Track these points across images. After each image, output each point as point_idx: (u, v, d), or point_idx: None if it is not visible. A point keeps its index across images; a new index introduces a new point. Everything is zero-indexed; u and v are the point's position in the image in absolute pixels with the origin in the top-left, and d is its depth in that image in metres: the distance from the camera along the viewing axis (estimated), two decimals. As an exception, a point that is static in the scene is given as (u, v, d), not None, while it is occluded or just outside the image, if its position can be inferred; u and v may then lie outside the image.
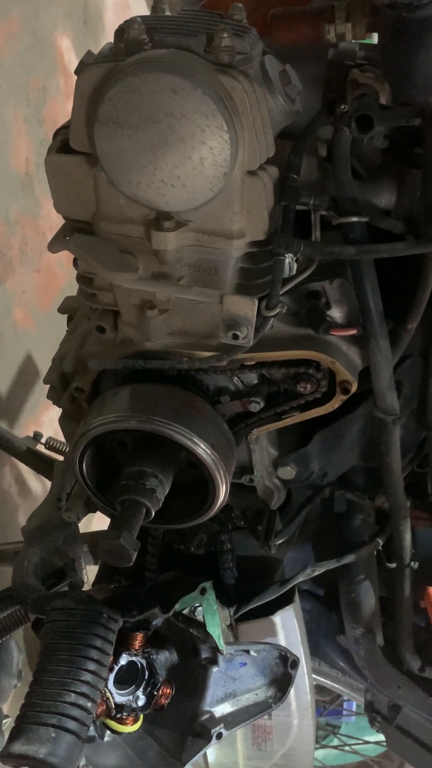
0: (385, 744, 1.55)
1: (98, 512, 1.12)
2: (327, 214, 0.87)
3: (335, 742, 2.66)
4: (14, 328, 2.17)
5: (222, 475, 0.95)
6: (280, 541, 1.12)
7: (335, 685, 1.62)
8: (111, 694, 0.99)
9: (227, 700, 1.08)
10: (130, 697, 1.01)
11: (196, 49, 0.75)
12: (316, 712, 1.65)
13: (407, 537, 1.16)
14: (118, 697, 1.00)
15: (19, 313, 2.20)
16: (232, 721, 1.08)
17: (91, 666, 0.89)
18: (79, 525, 1.14)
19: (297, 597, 1.21)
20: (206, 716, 1.05)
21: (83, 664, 0.88)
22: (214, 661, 1.04)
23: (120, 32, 0.78)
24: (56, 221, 0.89)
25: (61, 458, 1.44)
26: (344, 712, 2.66)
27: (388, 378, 0.97)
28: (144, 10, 3.61)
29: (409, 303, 0.95)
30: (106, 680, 0.92)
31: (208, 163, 0.75)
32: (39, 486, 2.23)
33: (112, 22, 3.08)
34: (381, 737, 1.56)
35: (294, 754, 1.28)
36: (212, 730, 1.04)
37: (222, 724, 1.06)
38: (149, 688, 1.02)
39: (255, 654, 1.09)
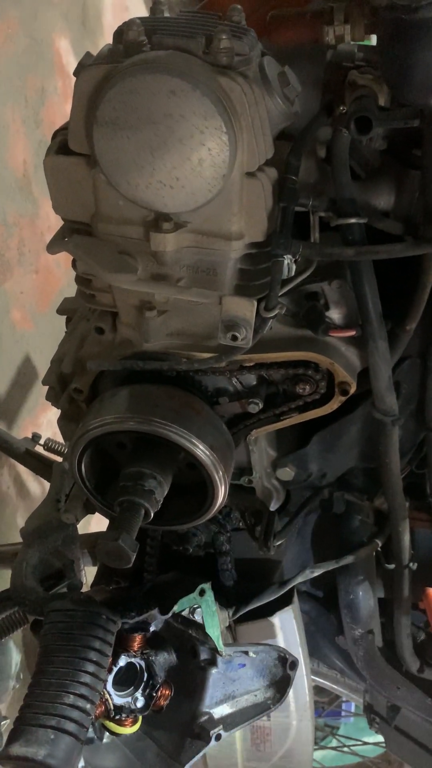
0: (383, 745, 1.55)
1: (97, 513, 1.12)
2: (326, 215, 0.87)
3: (334, 743, 2.66)
4: (13, 329, 2.17)
5: (221, 477, 0.95)
6: (279, 543, 1.12)
7: (334, 686, 1.62)
8: (110, 695, 0.99)
9: (226, 701, 1.08)
10: (129, 699, 1.01)
11: (194, 50, 0.75)
12: (315, 713, 1.65)
13: (406, 538, 1.16)
14: (117, 698, 1.00)
15: (18, 314, 2.20)
16: (231, 722, 1.08)
17: (90, 667, 0.89)
18: (78, 526, 1.14)
19: (296, 598, 1.21)
20: (205, 717, 1.05)
21: (82, 665, 0.88)
22: (213, 662, 1.04)
23: (119, 34, 0.78)
24: (54, 222, 0.89)
25: (59, 459, 1.44)
26: (343, 713, 2.66)
27: (386, 379, 0.97)
28: (143, 12, 3.61)
29: (408, 304, 0.96)
30: (104, 682, 0.92)
31: (207, 165, 0.75)
32: (38, 487, 2.22)
33: (110, 23, 3.08)
34: (380, 738, 1.56)
35: (293, 755, 1.28)
36: (211, 732, 1.03)
37: (221, 726, 1.05)
38: (148, 690, 1.02)
39: (254, 655, 1.09)
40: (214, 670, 1.04)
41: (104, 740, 1.02)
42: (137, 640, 1.01)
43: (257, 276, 0.86)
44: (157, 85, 0.72)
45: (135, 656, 1.01)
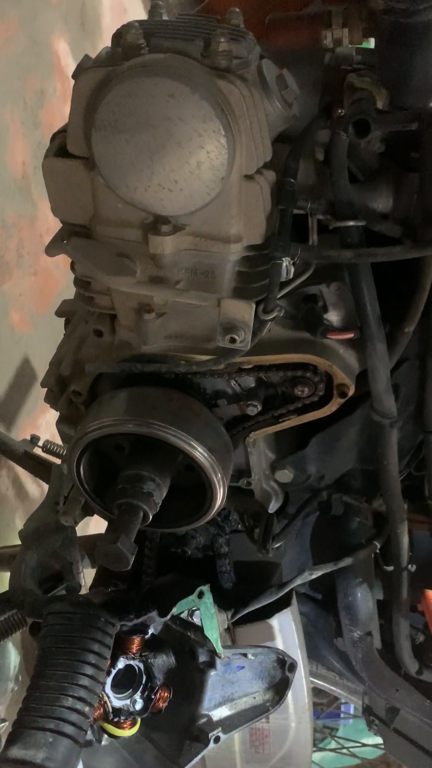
0: (382, 747, 1.55)
1: (95, 515, 1.11)
2: (324, 218, 0.87)
3: (333, 744, 2.66)
4: (11, 331, 2.17)
5: (219, 479, 0.95)
6: (278, 545, 1.12)
7: (333, 688, 1.62)
8: (108, 698, 0.99)
9: (225, 703, 1.08)
10: (128, 701, 1.01)
11: (193, 53, 0.75)
12: (314, 715, 1.65)
13: (405, 540, 1.16)
14: (116, 701, 1.00)
15: (16, 315, 2.20)
16: (229, 724, 1.08)
17: (89, 670, 0.88)
18: (77, 528, 1.14)
19: (294, 600, 1.21)
20: (204, 720, 1.05)
21: (81, 668, 0.88)
22: (211, 664, 1.04)
23: (117, 36, 0.78)
24: (53, 224, 0.89)
25: (58, 461, 1.44)
26: (342, 715, 2.66)
27: (385, 381, 0.97)
28: (141, 14, 3.62)
29: (406, 306, 0.96)
30: (103, 684, 0.92)
31: (206, 168, 0.75)
32: (36, 489, 2.22)
33: (109, 25, 3.08)
34: (378, 740, 1.56)
35: (291, 757, 1.28)
36: (210, 734, 1.03)
37: (220, 728, 1.05)
38: (147, 692, 1.02)
39: (252, 657, 1.09)
40: (212, 673, 1.04)
41: (103, 743, 1.02)
42: (136, 642, 1.01)
43: (256, 278, 0.87)
44: (156, 88, 0.72)
45: (133, 658, 1.01)
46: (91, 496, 1.03)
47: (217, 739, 1.04)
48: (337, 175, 0.86)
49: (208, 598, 1.05)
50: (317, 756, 2.62)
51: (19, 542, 1.14)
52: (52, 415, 1.12)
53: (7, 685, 1.51)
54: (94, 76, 0.76)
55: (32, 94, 2.33)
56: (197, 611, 1.04)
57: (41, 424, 2.29)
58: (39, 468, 1.53)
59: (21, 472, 2.11)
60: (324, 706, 2.43)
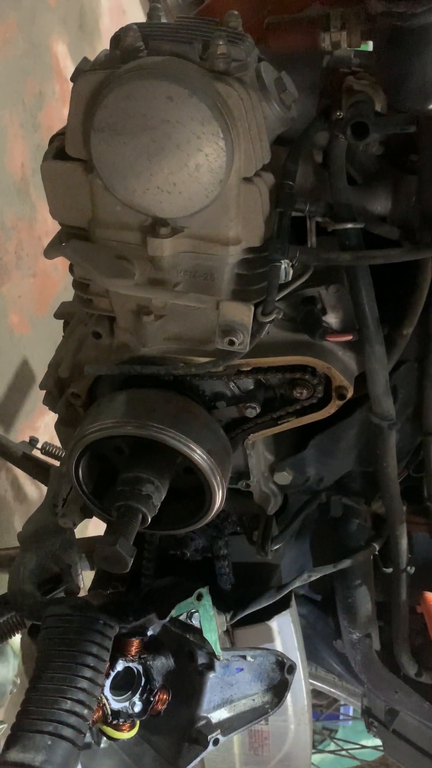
0: (381, 748, 1.55)
1: (94, 517, 1.11)
2: (323, 220, 0.87)
3: (332, 746, 2.66)
4: (10, 333, 2.17)
5: (218, 481, 0.95)
6: (277, 547, 1.12)
7: (332, 689, 1.62)
8: (107, 700, 0.99)
9: (224, 705, 1.08)
10: (127, 704, 1.01)
11: (191, 56, 0.75)
12: (313, 717, 1.64)
13: (403, 542, 1.16)
14: (115, 703, 1.00)
15: (15, 317, 2.20)
16: (228, 726, 1.08)
17: (88, 673, 0.88)
18: (75, 530, 1.14)
19: (294, 602, 1.21)
20: (203, 722, 1.05)
21: (79, 670, 0.88)
22: (210, 666, 1.04)
23: (116, 39, 0.78)
24: (52, 226, 0.89)
25: (57, 463, 1.43)
26: (341, 717, 2.66)
27: (383, 383, 0.97)
28: (140, 17, 3.62)
29: (405, 308, 0.96)
30: (102, 686, 0.92)
31: (204, 170, 0.75)
32: (35, 491, 2.22)
33: (108, 27, 3.09)
34: (378, 742, 1.55)
35: (291, 759, 1.28)
36: (209, 736, 1.03)
37: (219, 730, 1.05)
38: (146, 694, 1.02)
39: (252, 659, 1.09)
40: (211, 675, 1.04)
41: (102, 745, 1.02)
42: (135, 644, 1.01)
43: (254, 281, 0.87)
44: (154, 91, 0.72)
45: (133, 661, 1.01)
46: (90, 498, 1.03)
47: (216, 742, 1.04)
48: (336, 178, 0.86)
49: (207, 600, 1.05)
50: (316, 758, 2.62)
51: (17, 544, 1.14)
52: (51, 417, 1.12)
53: (6, 688, 1.51)
54: (93, 79, 0.76)
55: (31, 97, 2.33)
56: (196, 613, 1.04)
57: (40, 426, 2.29)
58: (38, 470, 1.53)
59: (20, 474, 2.10)
60: (323, 708, 2.43)
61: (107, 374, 0.99)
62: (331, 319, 0.95)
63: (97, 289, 0.92)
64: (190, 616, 1.04)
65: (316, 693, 1.77)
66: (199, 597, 1.04)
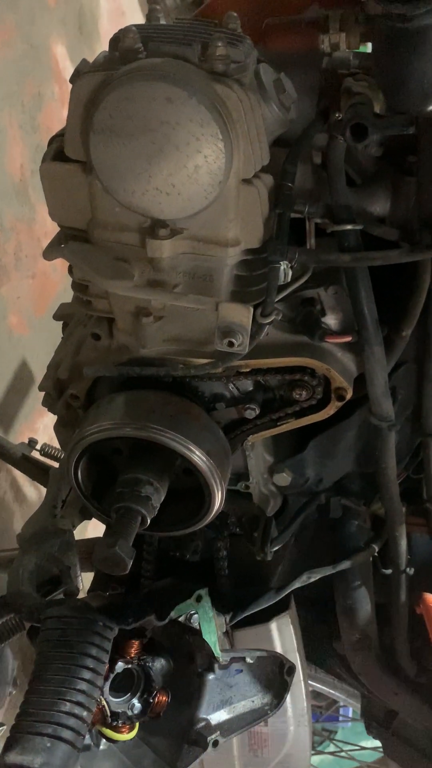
0: (381, 750, 1.55)
1: (93, 519, 1.11)
2: (322, 221, 0.87)
3: (331, 747, 2.66)
4: (9, 334, 2.17)
5: (218, 482, 0.95)
6: (276, 548, 1.12)
7: (331, 691, 1.62)
8: (107, 702, 0.98)
9: (223, 707, 1.08)
10: (126, 705, 1.01)
11: (190, 57, 0.75)
12: (312, 718, 1.64)
13: (403, 543, 1.16)
14: (114, 705, 1.00)
15: (14, 318, 2.20)
16: (228, 728, 1.08)
17: (87, 675, 0.88)
18: (75, 532, 1.14)
19: (293, 603, 1.21)
20: (202, 724, 1.05)
21: (78, 672, 0.88)
22: (210, 668, 1.04)
23: (115, 41, 0.78)
24: (51, 227, 0.89)
25: (56, 465, 1.43)
26: (340, 718, 2.65)
27: (383, 384, 0.97)
28: (139, 18, 3.62)
29: (404, 310, 0.96)
30: (101, 688, 0.92)
31: (203, 172, 0.75)
32: (34, 493, 2.22)
33: (107, 29, 3.09)
34: (377, 743, 1.55)
35: (290, 761, 1.28)
36: (208, 738, 1.03)
37: (218, 732, 1.05)
38: (145, 696, 1.02)
39: (251, 661, 1.09)
40: (211, 676, 1.04)
41: (101, 747, 1.02)
42: (134, 646, 1.01)
43: (253, 282, 0.87)
44: (153, 93, 0.72)
45: (132, 662, 1.01)
46: (89, 499, 1.03)
47: (215, 743, 1.04)
48: (335, 179, 0.86)
49: (207, 601, 1.05)
50: (316, 759, 2.62)
51: (16, 546, 1.14)
52: (50, 418, 1.12)
53: (5, 690, 1.51)
54: (92, 80, 0.76)
55: (30, 98, 2.33)
56: (195, 615, 1.04)
57: (39, 427, 2.29)
58: (37, 471, 1.53)
59: (19, 475, 2.10)
60: (323, 709, 2.43)
61: (106, 376, 0.99)
62: (330, 320, 0.95)
63: (96, 290, 0.92)
64: (189, 617, 1.04)
65: (315, 694, 1.77)
66: (199, 598, 1.04)
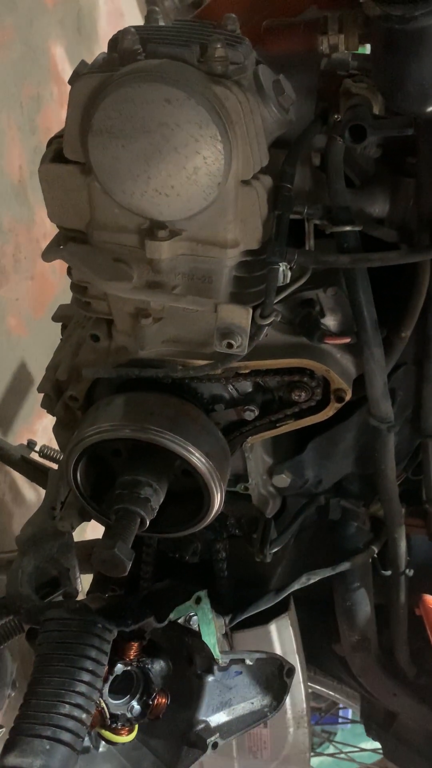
0: (381, 751, 1.55)
1: (92, 521, 1.11)
2: (320, 223, 0.87)
3: (331, 749, 2.65)
4: (8, 336, 2.16)
5: (217, 484, 0.95)
6: (276, 549, 1.11)
7: (331, 692, 1.62)
8: (106, 704, 0.98)
9: (223, 709, 1.08)
10: (125, 707, 1.01)
11: (189, 59, 0.75)
12: (312, 720, 1.64)
13: (402, 544, 1.16)
14: (113, 707, 1.00)
15: (13, 320, 2.19)
16: (227, 730, 1.08)
17: (86, 677, 0.88)
18: (74, 533, 1.14)
19: (292, 605, 1.21)
20: (202, 726, 1.05)
21: (78, 674, 0.88)
22: (209, 670, 1.03)
23: (114, 42, 0.79)
24: (50, 229, 0.89)
25: (55, 466, 1.43)
26: (340, 720, 2.65)
27: (382, 386, 0.97)
28: (138, 20, 3.63)
29: (403, 311, 0.96)
30: (100, 691, 0.92)
31: (202, 173, 0.75)
32: (33, 494, 2.22)
33: (105, 30, 3.09)
34: (377, 745, 1.55)
35: (290, 763, 1.28)
36: (208, 740, 1.03)
37: (217, 734, 1.05)
38: (144, 698, 1.02)
39: (250, 663, 1.08)
40: (210, 678, 1.04)
41: (100, 749, 1.02)
42: (133, 648, 1.01)
43: (252, 283, 0.87)
44: (152, 94, 0.72)
45: (131, 664, 1.01)
46: (88, 501, 1.03)
47: (215, 745, 1.04)
48: (334, 181, 0.86)
49: (206, 603, 1.05)
50: (315, 761, 2.62)
51: (15, 548, 1.14)
52: (49, 420, 1.12)
53: (3, 692, 1.51)
54: (91, 82, 0.76)
55: (29, 99, 2.33)
56: (195, 617, 1.04)
57: (38, 429, 2.29)
58: (36, 473, 1.53)
59: (18, 477, 2.10)
60: (322, 711, 2.43)
61: (105, 377, 0.98)
62: (330, 321, 0.95)
63: (95, 291, 0.92)
64: (188, 619, 1.04)
65: (315, 696, 1.77)
66: (198, 600, 1.04)
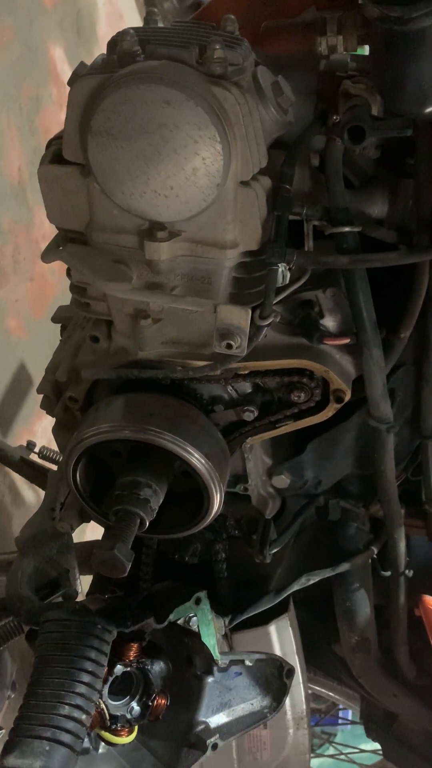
0: (381, 753, 1.55)
1: (92, 522, 1.11)
2: (320, 224, 0.87)
3: (331, 750, 2.65)
4: (7, 337, 2.16)
5: (216, 485, 0.95)
6: (275, 550, 1.11)
7: (331, 693, 1.62)
8: (105, 705, 0.98)
9: (222, 710, 1.08)
10: (125, 708, 1.01)
11: (188, 60, 0.75)
12: (312, 721, 1.64)
13: (402, 545, 1.16)
14: (113, 708, 0.99)
15: (12, 321, 2.19)
16: (227, 731, 1.08)
17: (86, 678, 0.88)
18: (73, 535, 1.14)
19: (292, 606, 1.21)
20: (201, 727, 1.04)
21: (77, 675, 0.88)
22: (209, 671, 1.03)
23: (113, 43, 0.79)
24: (49, 230, 0.89)
25: (54, 468, 1.43)
26: (340, 721, 2.65)
27: (381, 386, 0.97)
28: (137, 21, 3.63)
29: (402, 312, 0.96)
30: (100, 692, 0.92)
31: (201, 174, 0.75)
32: (33, 495, 2.22)
33: (104, 32, 3.09)
34: (377, 746, 1.55)
35: (289, 764, 1.28)
36: (207, 741, 1.03)
37: (217, 735, 1.05)
38: (144, 699, 1.02)
39: (250, 664, 1.08)
40: (210, 679, 1.04)
41: (100, 750, 1.02)
42: (133, 649, 1.01)
43: (252, 284, 0.87)
44: (151, 95, 0.72)
45: (131, 665, 1.01)
46: (88, 502, 1.03)
47: (214, 746, 1.04)
48: (333, 181, 0.86)
49: (206, 604, 1.05)
50: (315, 762, 2.61)
51: (15, 549, 1.14)
52: (49, 421, 1.12)
53: (3, 693, 1.50)
54: (90, 83, 0.76)
55: (28, 101, 2.33)
56: (194, 618, 1.04)
57: (37, 430, 2.29)
58: (35, 474, 1.53)
59: (17, 478, 2.10)
60: (322, 712, 2.43)
61: (105, 378, 0.98)
62: (329, 322, 0.95)
63: (94, 292, 0.92)
64: (188, 620, 1.04)
65: (315, 697, 1.77)
66: (198, 601, 1.04)
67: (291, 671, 1.10)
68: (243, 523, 1.15)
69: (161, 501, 0.95)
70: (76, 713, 0.86)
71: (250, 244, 0.83)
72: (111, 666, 0.97)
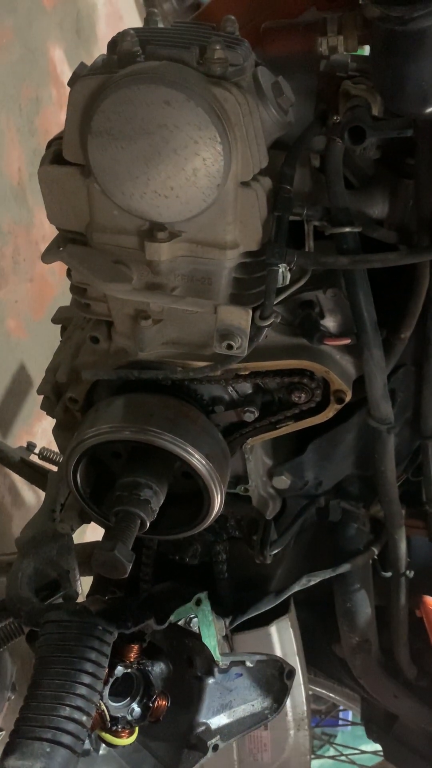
0: (381, 754, 1.54)
1: (92, 523, 1.11)
2: (320, 224, 0.87)
3: (331, 751, 2.65)
4: (7, 338, 2.16)
5: (217, 485, 0.95)
6: (276, 551, 1.11)
7: (331, 694, 1.61)
8: (106, 706, 0.98)
9: (223, 711, 1.08)
10: (126, 710, 1.01)
11: (188, 60, 0.75)
12: (312, 722, 1.64)
13: (402, 546, 1.16)
14: (114, 709, 0.99)
15: (12, 322, 2.19)
16: (228, 732, 1.07)
17: (86, 679, 0.88)
18: (73, 536, 1.13)
19: (293, 607, 1.21)
20: (202, 728, 1.04)
21: (78, 677, 0.88)
22: (209, 672, 1.03)
23: (113, 44, 0.79)
24: (49, 231, 0.89)
25: (54, 469, 1.43)
26: (340, 722, 2.64)
27: (381, 387, 0.97)
28: (137, 22, 3.63)
29: (402, 312, 0.96)
30: (100, 693, 0.92)
31: (202, 174, 0.75)
32: (33, 497, 2.22)
33: (104, 32, 3.09)
34: (377, 747, 1.55)
35: (290, 765, 1.28)
36: (208, 742, 1.03)
37: (218, 736, 1.05)
38: (144, 700, 1.02)
39: (251, 665, 1.08)
40: (210, 680, 1.04)
41: (100, 752, 1.01)
42: (134, 650, 1.01)
43: (252, 285, 0.87)
44: (152, 96, 0.72)
45: (131, 667, 1.01)
46: (88, 503, 1.03)
47: (215, 748, 1.03)
48: (333, 182, 0.86)
49: (206, 605, 1.04)
50: (316, 763, 2.61)
51: (15, 550, 1.14)
52: (49, 422, 1.12)
53: (4, 695, 1.50)
54: (90, 84, 0.76)
55: (28, 101, 2.33)
56: (195, 619, 1.04)
57: (37, 431, 2.29)
58: (35, 475, 1.53)
59: (17, 479, 2.10)
60: (322, 713, 2.42)
61: (105, 379, 0.98)
62: (329, 322, 0.95)
63: (94, 293, 0.92)
64: (188, 621, 1.04)
65: (315, 698, 1.77)
66: (198, 602, 1.04)
67: (292, 672, 1.10)
68: (243, 524, 1.15)
69: (162, 502, 0.95)
70: (77, 715, 0.86)
71: (251, 244, 0.83)
72: (111, 667, 0.97)
